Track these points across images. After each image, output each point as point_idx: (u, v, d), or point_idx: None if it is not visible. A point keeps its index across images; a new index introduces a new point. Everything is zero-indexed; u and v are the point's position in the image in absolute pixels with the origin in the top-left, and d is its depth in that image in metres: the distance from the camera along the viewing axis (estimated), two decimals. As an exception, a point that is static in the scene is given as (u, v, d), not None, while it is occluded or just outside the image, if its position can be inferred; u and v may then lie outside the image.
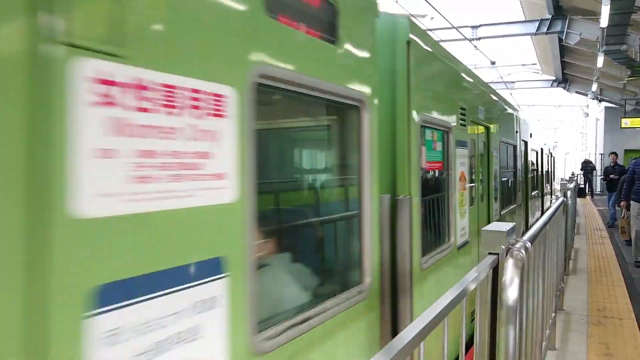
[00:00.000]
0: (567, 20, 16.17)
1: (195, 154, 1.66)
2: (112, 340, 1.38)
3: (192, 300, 1.63)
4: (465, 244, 5.11)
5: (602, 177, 15.04)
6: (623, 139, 27.49)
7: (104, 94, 1.36)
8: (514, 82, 30.19)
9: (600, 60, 16.04)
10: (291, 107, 3.04)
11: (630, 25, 12.79)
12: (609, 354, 5.29)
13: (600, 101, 30.02)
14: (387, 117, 3.54)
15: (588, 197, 26.76)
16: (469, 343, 3.36)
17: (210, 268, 1.71)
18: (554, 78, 28.19)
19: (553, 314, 5.01)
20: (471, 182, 5.62)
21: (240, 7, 1.91)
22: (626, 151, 27.36)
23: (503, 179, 8.39)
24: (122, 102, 1.41)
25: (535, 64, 27.00)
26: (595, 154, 33.68)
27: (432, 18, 18.97)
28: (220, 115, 1.78)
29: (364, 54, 2.98)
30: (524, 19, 18.06)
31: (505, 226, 2.67)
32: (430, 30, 17.91)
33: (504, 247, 2.54)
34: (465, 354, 2.22)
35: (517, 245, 2.55)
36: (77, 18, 1.30)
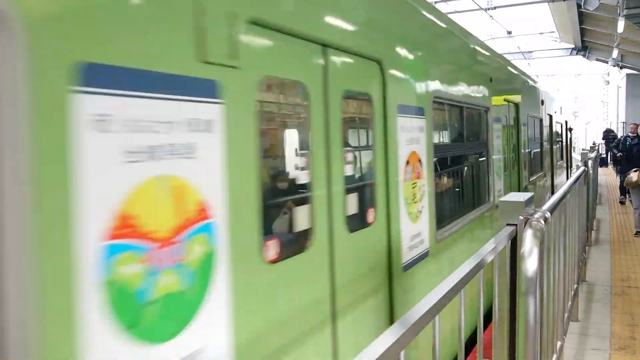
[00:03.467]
0: (586, -15, 15.70)
1: None
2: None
3: None
4: None
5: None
6: (646, 106, 26.80)
7: None
8: (531, 51, 29.57)
9: (620, 26, 15.56)
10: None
11: (652, -13, 12.36)
12: (633, 324, 5.21)
13: (621, 68, 29.27)
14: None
15: (610, 167, 26.26)
16: (488, 316, 3.32)
17: None
18: (573, 46, 27.54)
19: (575, 285, 4.94)
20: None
21: None
22: (649, 118, 26.69)
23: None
24: None
25: (553, 32, 26.34)
26: (617, 123, 32.97)
27: (446, -11, 18.60)
28: None
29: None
30: (540, -14, 17.57)
31: (524, 196, 2.60)
32: (444, 1, 17.54)
33: (522, 218, 2.48)
34: (485, 328, 2.18)
35: (536, 216, 2.49)
36: None
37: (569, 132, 17.99)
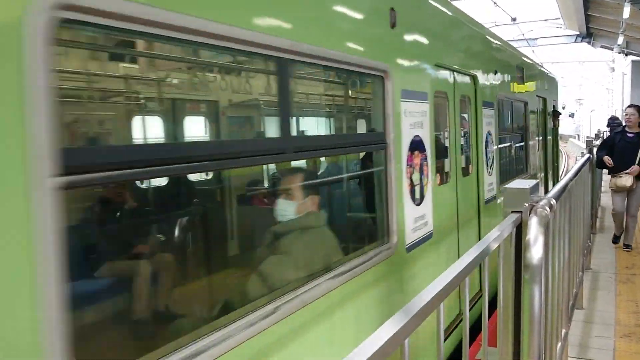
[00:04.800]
0: (591, -30, 15.53)
1: None
2: None
3: None
4: None
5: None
6: (651, 93, 26.53)
7: None
8: (536, 38, 29.35)
9: (626, 11, 15.41)
10: None
11: (658, -28, 12.20)
12: (638, 312, 5.19)
13: (626, 55, 29.04)
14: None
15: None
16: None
17: None
18: (578, 33, 27.31)
19: (580, 273, 4.92)
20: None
21: None
22: (654, 106, 26.37)
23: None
24: None
25: (558, 18, 26.12)
26: (622, 110, 32.80)
27: (449, -24, 18.50)
28: None
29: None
30: (545, -28, 17.37)
31: (529, 183, 2.57)
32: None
33: (527, 205, 2.46)
34: (489, 316, 2.17)
35: (542, 203, 2.46)
36: None
37: (554, 120, 11.88)
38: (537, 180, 2.79)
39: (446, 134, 5.10)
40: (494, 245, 2.03)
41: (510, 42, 10.08)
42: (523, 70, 8.39)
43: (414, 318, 1.31)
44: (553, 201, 2.64)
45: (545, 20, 27.68)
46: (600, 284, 6.09)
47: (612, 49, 28.58)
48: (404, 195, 3.79)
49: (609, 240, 8.01)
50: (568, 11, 22.69)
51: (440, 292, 1.46)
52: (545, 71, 11.57)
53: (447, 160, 5.09)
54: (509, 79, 7.50)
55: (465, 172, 5.64)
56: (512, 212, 2.47)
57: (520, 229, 2.46)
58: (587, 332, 4.77)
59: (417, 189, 4.04)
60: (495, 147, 6.53)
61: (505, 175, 7.23)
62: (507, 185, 2.57)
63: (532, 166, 8.97)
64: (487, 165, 6.23)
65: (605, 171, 7.99)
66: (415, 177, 4.00)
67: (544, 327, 2.41)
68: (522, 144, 8.57)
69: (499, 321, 2.35)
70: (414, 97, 4.02)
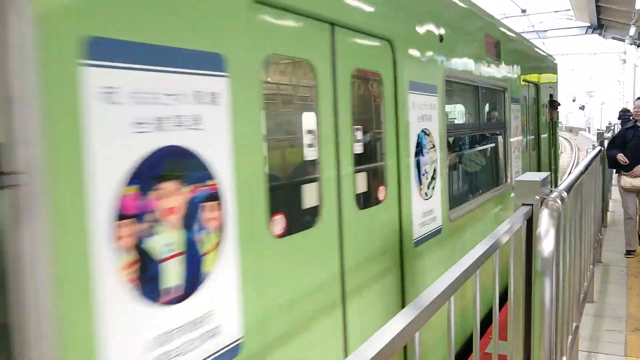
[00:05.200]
0: (603, -39, 15.34)
1: None
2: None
3: None
4: None
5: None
6: (663, 84, 26.19)
7: None
8: (546, 30, 29.11)
9: (638, 2, 15.21)
10: None
11: (671, -38, 12.03)
12: (650, 305, 5.16)
13: (638, 46, 28.71)
14: None
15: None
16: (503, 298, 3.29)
17: None
18: (589, 24, 27.02)
19: (591, 266, 4.89)
20: None
21: None
22: (666, 98, 26.04)
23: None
24: None
25: (568, 10, 25.86)
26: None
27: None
28: None
29: None
30: (555, -38, 17.17)
31: (540, 176, 2.55)
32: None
33: (538, 198, 2.44)
34: (500, 309, 2.15)
35: (553, 195, 2.45)
36: None
37: (551, 113, 9.88)
38: (548, 173, 2.75)
39: (309, 139, 2.82)
40: (505, 239, 2.02)
41: (522, 34, 8.80)
42: (499, 43, 6.04)
43: (425, 311, 1.30)
44: (564, 194, 2.62)
45: (555, 11, 27.41)
46: (612, 278, 6.04)
47: (623, 41, 28.26)
48: (91, 296, 1.56)
49: (620, 234, 7.92)
50: (579, 2, 22.45)
51: (451, 285, 1.45)
52: (538, 49, 9.22)
53: (311, 187, 2.81)
54: (471, 53, 5.17)
55: (371, 199, 3.39)
56: (523, 204, 2.45)
57: (531, 222, 2.44)
58: (598, 325, 4.74)
59: (173, 267, 1.84)
60: (439, 153, 4.33)
61: (463, 194, 5.37)
62: (517, 178, 2.54)
63: (514, 174, 6.70)
64: (421, 183, 3.98)
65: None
66: (163, 241, 1.80)
67: (554, 320, 2.39)
68: (499, 145, 6.53)
69: (510, 314, 2.34)
70: (150, 61, 1.76)
